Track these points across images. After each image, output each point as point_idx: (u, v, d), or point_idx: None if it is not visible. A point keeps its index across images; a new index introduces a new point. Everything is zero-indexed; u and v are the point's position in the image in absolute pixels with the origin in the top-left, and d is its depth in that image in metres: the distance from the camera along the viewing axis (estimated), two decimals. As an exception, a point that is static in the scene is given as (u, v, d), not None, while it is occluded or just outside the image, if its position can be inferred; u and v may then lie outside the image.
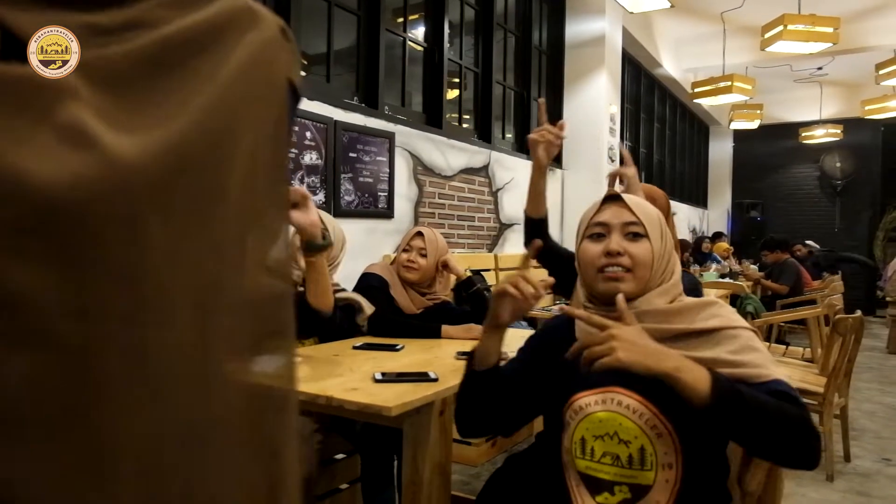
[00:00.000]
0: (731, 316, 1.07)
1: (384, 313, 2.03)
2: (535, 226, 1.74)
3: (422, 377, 1.39)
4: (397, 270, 2.17)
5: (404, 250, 2.16)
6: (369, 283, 2.08)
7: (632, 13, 4.97)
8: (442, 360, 1.66)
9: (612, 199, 1.14)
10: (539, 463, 1.22)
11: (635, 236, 1.09)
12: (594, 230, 1.13)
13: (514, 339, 1.31)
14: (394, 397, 1.22)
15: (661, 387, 1.00)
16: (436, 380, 1.38)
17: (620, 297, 1.03)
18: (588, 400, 1.07)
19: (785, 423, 0.91)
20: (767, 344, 4.16)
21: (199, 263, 0.31)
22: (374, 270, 2.15)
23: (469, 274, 2.14)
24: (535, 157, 1.69)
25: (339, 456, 2.00)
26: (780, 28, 5.01)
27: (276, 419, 0.37)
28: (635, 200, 1.14)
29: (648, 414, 1.02)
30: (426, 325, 2.02)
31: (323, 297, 1.58)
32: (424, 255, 2.12)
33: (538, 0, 5.16)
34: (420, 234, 2.16)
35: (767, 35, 5.18)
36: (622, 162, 1.79)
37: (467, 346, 1.85)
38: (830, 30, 5.00)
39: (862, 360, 5.71)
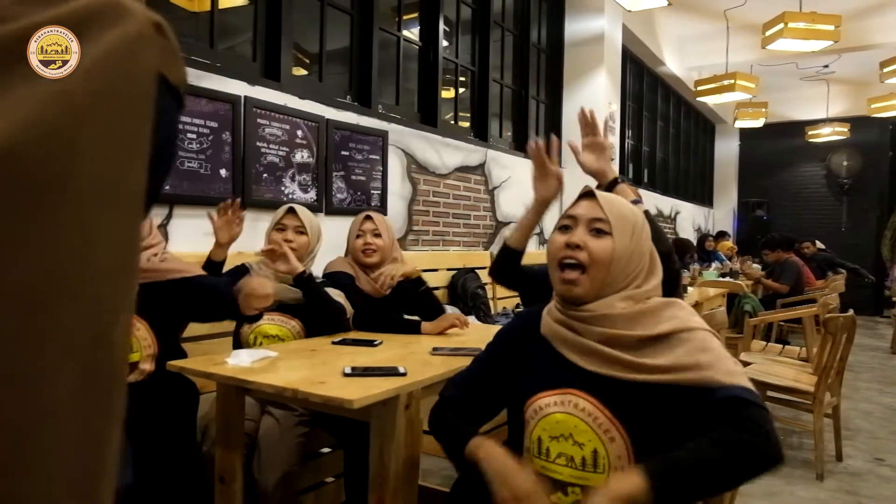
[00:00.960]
0: (687, 317, 1.07)
1: (362, 309, 2.06)
2: (513, 257, 1.72)
3: (391, 371, 1.41)
4: (355, 259, 2.18)
5: (357, 236, 2.17)
6: (337, 282, 2.10)
7: (632, 11, 4.96)
8: (417, 355, 1.68)
9: (588, 195, 1.16)
10: None
11: (599, 232, 1.10)
12: (563, 222, 1.15)
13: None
14: (358, 391, 1.24)
15: (618, 391, 1.03)
16: (404, 374, 1.40)
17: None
18: (548, 400, 1.09)
19: (732, 456, 0.90)
20: (764, 344, 4.15)
21: (19, 261, 0.31)
22: (337, 268, 2.17)
23: (419, 273, 2.15)
24: (540, 197, 1.68)
25: (325, 450, 2.03)
26: (781, 26, 4.99)
27: (103, 411, 0.37)
28: (610, 199, 1.14)
29: (602, 418, 1.04)
30: (407, 321, 2.04)
31: (248, 310, 1.67)
32: (379, 235, 2.15)
33: (537, -1, 5.17)
34: (369, 217, 2.18)
35: (768, 33, 5.16)
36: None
37: (444, 341, 1.89)
38: (832, 27, 4.97)
39: (864, 359, 5.68)
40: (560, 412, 1.07)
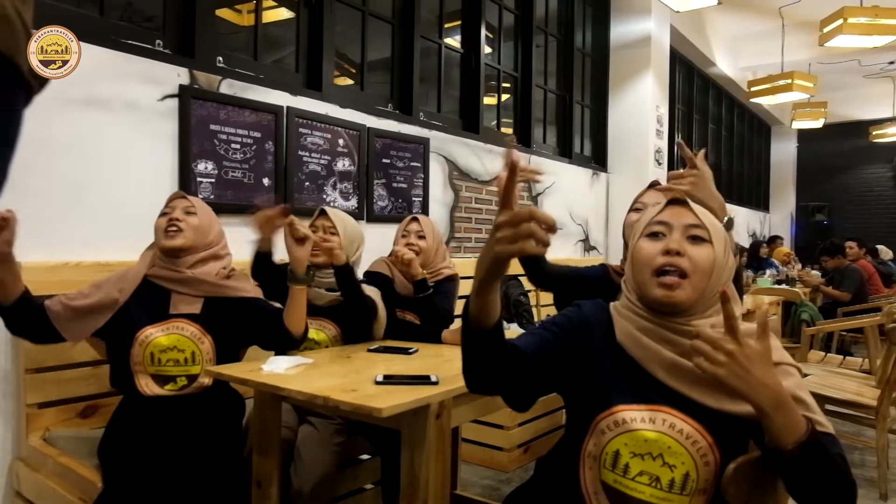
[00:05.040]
0: (782, 349, 1.04)
1: (387, 314, 2.05)
2: (529, 263, 1.78)
3: (422, 380, 1.40)
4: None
5: (402, 236, 2.17)
6: (371, 282, 2.11)
7: (680, 12, 4.84)
8: (452, 362, 1.66)
9: (675, 202, 1.09)
10: (562, 464, 1.15)
11: (697, 239, 1.03)
12: (654, 228, 1.07)
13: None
14: (387, 399, 1.23)
15: (710, 415, 0.99)
16: (436, 383, 1.38)
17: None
18: (634, 415, 1.02)
19: (840, 482, 0.92)
20: (823, 354, 3.95)
21: None
22: (375, 268, 2.18)
23: (426, 275, 2.09)
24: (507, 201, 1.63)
25: (364, 457, 2.03)
26: (840, 22, 4.77)
27: None
28: (700, 207, 1.09)
29: (703, 442, 0.98)
30: (427, 330, 2.02)
31: (295, 322, 1.72)
32: (423, 238, 2.13)
33: (581, 3, 5.10)
34: (415, 219, 2.18)
35: (826, 29, 4.95)
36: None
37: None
38: (895, 22, 4.72)
39: (936, 372, 5.34)
40: (651, 430, 1.00)
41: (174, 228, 1.70)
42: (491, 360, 1.02)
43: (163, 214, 1.76)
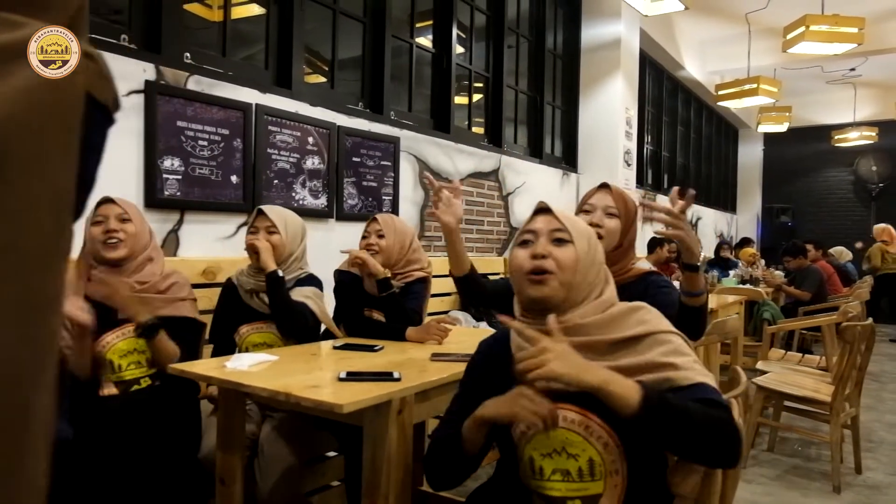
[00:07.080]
0: (658, 321, 1.11)
1: (353, 312, 2.06)
2: (463, 282, 1.70)
3: (385, 377, 1.42)
4: None
5: (363, 237, 2.18)
6: (341, 280, 2.13)
7: (649, 16, 4.92)
8: (416, 360, 1.68)
9: (542, 211, 1.20)
10: (504, 481, 1.22)
11: (560, 242, 1.14)
12: (523, 237, 1.18)
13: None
14: (349, 395, 1.25)
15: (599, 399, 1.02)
16: (398, 379, 1.40)
17: (552, 318, 1.06)
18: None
19: (709, 427, 0.95)
20: (783, 352, 4.07)
21: None
22: (344, 268, 2.19)
23: (388, 274, 2.10)
24: (442, 223, 1.64)
25: (331, 454, 2.04)
26: (803, 29, 4.91)
27: (28, 393, 0.39)
28: (564, 212, 1.20)
29: (594, 425, 1.05)
30: (391, 327, 2.04)
31: (166, 363, 1.69)
32: (382, 236, 2.14)
33: (553, 5, 5.16)
34: (375, 219, 2.19)
35: (790, 36, 5.08)
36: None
37: (444, 347, 1.89)
38: (855, 30, 4.88)
39: (891, 369, 5.52)
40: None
41: (113, 240, 1.73)
42: (463, 472, 1.19)
43: (96, 223, 1.75)
